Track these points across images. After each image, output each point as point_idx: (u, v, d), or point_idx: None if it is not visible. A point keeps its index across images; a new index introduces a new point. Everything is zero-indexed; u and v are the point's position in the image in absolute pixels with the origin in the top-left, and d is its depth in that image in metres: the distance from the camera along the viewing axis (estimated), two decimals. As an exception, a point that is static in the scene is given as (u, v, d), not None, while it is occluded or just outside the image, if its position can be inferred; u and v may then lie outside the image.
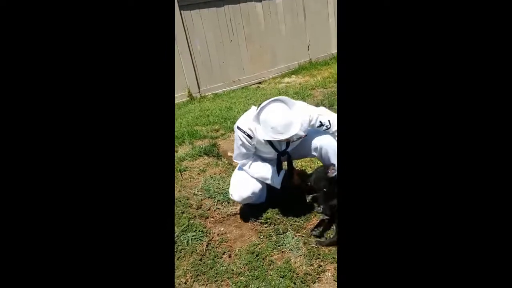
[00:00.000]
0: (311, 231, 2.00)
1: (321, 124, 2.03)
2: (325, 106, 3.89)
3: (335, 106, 3.85)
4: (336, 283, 1.64)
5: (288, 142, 2.03)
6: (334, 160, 2.10)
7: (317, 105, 3.88)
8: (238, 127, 1.97)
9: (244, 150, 2.04)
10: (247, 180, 2.13)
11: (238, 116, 3.91)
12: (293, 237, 1.97)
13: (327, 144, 2.08)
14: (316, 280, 1.66)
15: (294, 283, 1.65)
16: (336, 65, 5.80)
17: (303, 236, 1.97)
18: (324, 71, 5.62)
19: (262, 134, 1.79)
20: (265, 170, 2.10)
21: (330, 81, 5.00)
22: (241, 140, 1.98)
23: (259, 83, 5.61)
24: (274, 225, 2.09)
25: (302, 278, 1.67)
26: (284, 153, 2.11)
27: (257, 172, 2.11)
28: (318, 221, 2.06)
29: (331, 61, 6.21)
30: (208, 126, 3.77)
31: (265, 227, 2.09)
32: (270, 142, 2.00)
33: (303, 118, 1.87)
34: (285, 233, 2.02)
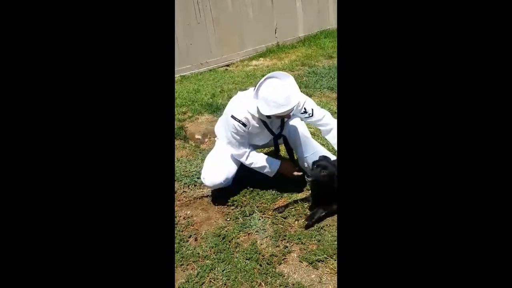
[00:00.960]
0: (278, 211, 1.95)
1: (305, 111, 2.00)
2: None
3: (302, 89, 3.79)
4: (302, 264, 1.60)
5: (282, 123, 1.99)
6: (298, 142, 2.07)
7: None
8: (232, 116, 1.87)
9: (238, 138, 1.96)
10: (222, 166, 2.04)
11: (205, 99, 3.79)
12: (259, 219, 1.92)
13: (293, 127, 2.04)
14: (282, 261, 1.62)
15: (260, 265, 1.60)
16: (303, 49, 5.74)
17: (269, 217, 1.92)
18: (292, 54, 5.53)
19: (266, 110, 1.74)
20: (263, 161, 2.04)
21: (297, 64, 4.93)
22: (236, 129, 1.90)
23: (227, 65, 5.45)
24: (241, 207, 2.02)
25: (268, 260, 1.62)
26: (279, 136, 2.05)
27: (254, 163, 2.03)
28: (286, 203, 2.02)
29: (298, 44, 6.12)
30: (176, 109, 3.61)
31: (232, 210, 2.02)
32: (266, 125, 1.94)
33: (298, 90, 1.80)
34: (251, 215, 1.96)
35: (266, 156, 2.07)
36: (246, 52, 5.73)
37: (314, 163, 1.88)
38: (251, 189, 2.15)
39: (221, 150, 2.10)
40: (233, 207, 2.04)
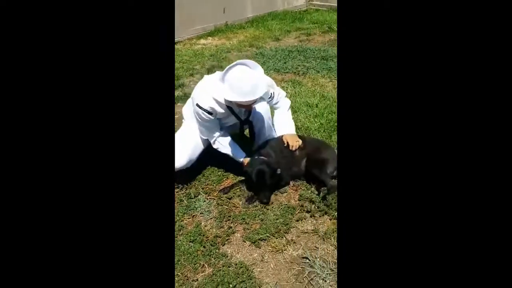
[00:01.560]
0: (223, 192, 1.93)
1: (271, 96, 1.95)
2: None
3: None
4: (245, 243, 1.61)
5: (250, 109, 1.91)
6: (261, 131, 2.04)
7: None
8: (197, 105, 1.76)
9: (207, 125, 1.87)
10: (186, 148, 1.93)
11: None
12: (204, 201, 1.89)
13: (260, 115, 2.00)
14: (226, 242, 1.62)
15: (204, 247, 1.58)
16: (251, 29, 5.65)
17: (214, 199, 1.90)
18: (240, 35, 5.43)
19: (229, 95, 1.65)
20: (229, 149, 1.96)
21: (245, 44, 4.85)
22: (201, 117, 1.81)
23: (175, 43, 5.22)
24: (186, 189, 1.98)
25: (212, 241, 1.61)
26: (246, 122, 1.99)
27: (221, 148, 1.96)
28: (232, 183, 2.01)
29: (247, 25, 6.01)
30: (118, 87, 3.39)
31: (176, 192, 1.96)
32: (232, 111, 1.86)
33: (267, 82, 1.76)
34: (196, 197, 1.92)
35: (233, 144, 1.98)
36: (194, 30, 5.52)
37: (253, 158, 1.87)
38: (197, 171, 2.10)
39: (186, 132, 2.00)
40: (177, 189, 1.98)
